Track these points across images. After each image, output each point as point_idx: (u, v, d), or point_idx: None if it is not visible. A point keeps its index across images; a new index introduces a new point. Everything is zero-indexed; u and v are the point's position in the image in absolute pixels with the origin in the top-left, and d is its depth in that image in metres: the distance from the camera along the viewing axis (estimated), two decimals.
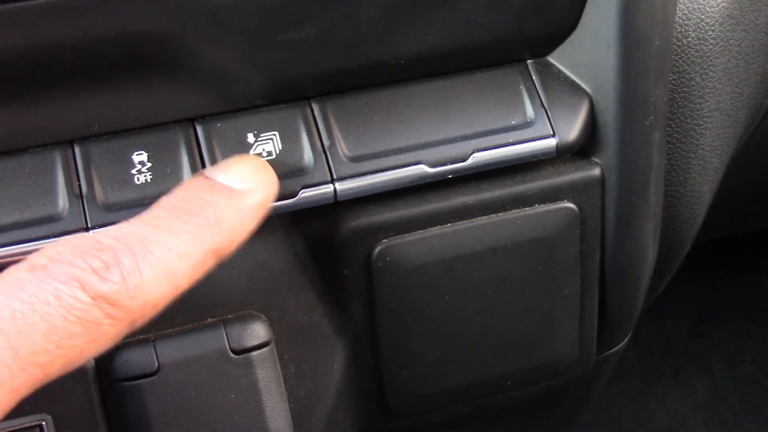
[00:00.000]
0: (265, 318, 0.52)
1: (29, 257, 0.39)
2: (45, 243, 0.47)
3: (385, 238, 0.53)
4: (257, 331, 0.51)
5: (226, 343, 0.51)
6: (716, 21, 0.57)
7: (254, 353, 0.51)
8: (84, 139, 0.49)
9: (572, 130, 0.53)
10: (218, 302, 0.52)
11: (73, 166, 0.48)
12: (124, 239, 0.40)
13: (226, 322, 0.51)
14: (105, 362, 0.50)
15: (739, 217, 1.19)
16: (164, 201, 0.44)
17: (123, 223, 0.42)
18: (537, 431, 0.73)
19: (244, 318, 0.52)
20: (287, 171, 0.50)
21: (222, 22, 0.46)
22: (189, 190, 0.44)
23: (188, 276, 0.42)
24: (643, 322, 1.56)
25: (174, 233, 0.42)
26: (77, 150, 0.49)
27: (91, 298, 0.38)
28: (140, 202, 0.48)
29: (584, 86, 0.54)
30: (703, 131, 0.59)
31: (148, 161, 0.49)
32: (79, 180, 0.48)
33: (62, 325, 0.37)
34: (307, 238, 0.53)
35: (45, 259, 0.39)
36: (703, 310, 1.65)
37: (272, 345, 0.52)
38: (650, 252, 0.59)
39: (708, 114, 0.59)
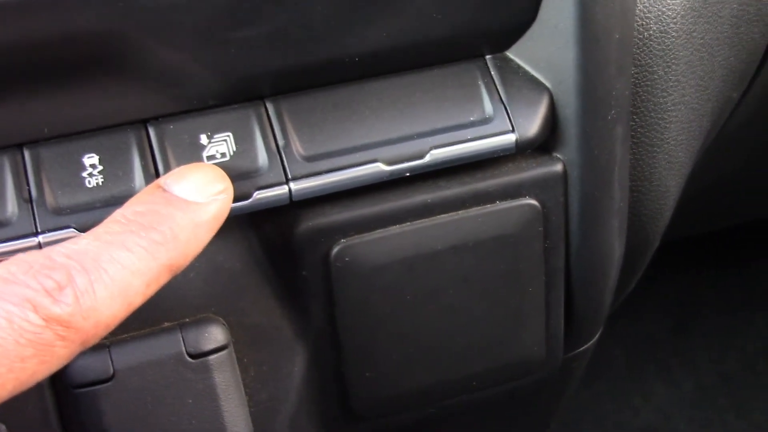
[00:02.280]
0: (223, 321, 0.52)
1: None
2: None
3: (343, 238, 0.52)
4: (214, 335, 0.50)
5: (183, 348, 0.50)
6: (678, 13, 0.56)
7: (212, 357, 0.50)
8: (34, 142, 0.48)
9: (532, 125, 0.52)
10: (175, 306, 0.51)
11: (22, 171, 0.48)
12: (78, 257, 0.40)
13: (182, 326, 0.50)
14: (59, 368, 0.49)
15: (718, 213, 1.18)
16: (119, 214, 0.43)
17: (77, 238, 0.41)
18: (506, 428, 0.73)
19: (201, 322, 0.51)
20: (241, 172, 0.49)
21: (173, 21, 0.45)
22: (144, 204, 0.44)
23: (142, 293, 0.41)
24: (627, 320, 1.56)
25: (129, 250, 0.41)
26: (27, 154, 0.48)
27: (44, 320, 0.38)
28: (91, 205, 0.47)
29: (544, 81, 0.53)
30: (667, 125, 0.58)
31: (99, 164, 0.48)
32: (28, 184, 0.47)
33: (13, 349, 0.37)
34: (264, 239, 0.52)
35: None
36: (686, 306, 1.65)
37: (230, 348, 0.51)
38: (616, 248, 0.58)
39: (672, 107, 0.58)
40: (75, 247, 0.40)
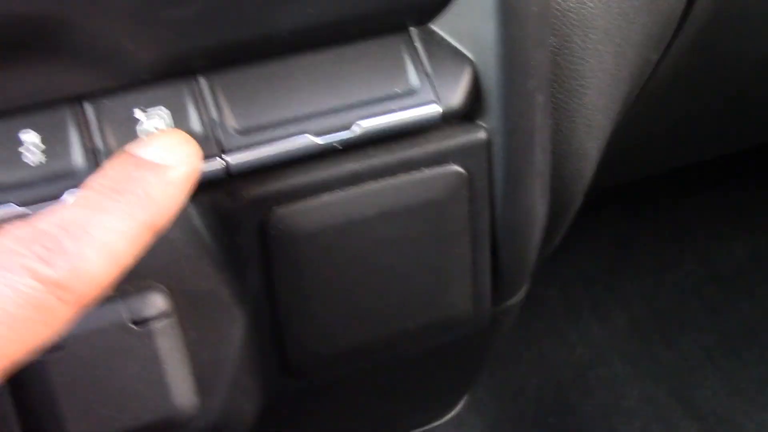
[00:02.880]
0: (165, 288, 0.54)
1: None
2: None
3: (277, 207, 0.54)
4: (156, 302, 0.53)
5: (127, 316, 0.52)
6: None
7: (154, 323, 0.53)
8: None
9: (456, 96, 0.55)
10: None
11: None
12: (63, 224, 0.42)
13: (124, 295, 0.53)
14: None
15: (650, 162, 1.22)
16: (93, 181, 0.45)
17: (57, 207, 0.43)
18: (447, 380, 0.76)
19: (142, 289, 0.53)
20: None
21: (105, 1, 0.47)
22: (116, 169, 0.46)
23: (128, 253, 0.44)
24: (562, 261, 1.60)
25: (109, 213, 0.43)
26: None
27: (42, 284, 0.40)
28: (31, 181, 0.49)
29: (467, 53, 0.55)
30: (585, 91, 0.61)
31: (36, 140, 0.50)
32: None
33: (17, 312, 0.39)
34: (202, 209, 0.54)
35: None
36: (620, 246, 1.69)
37: (172, 314, 0.54)
38: (539, 208, 0.61)
39: (590, 74, 0.61)
40: (58, 215, 0.43)
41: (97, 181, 0.46)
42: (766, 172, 1.71)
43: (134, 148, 0.48)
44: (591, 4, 0.59)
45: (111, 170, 0.46)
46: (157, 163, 0.47)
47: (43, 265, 0.40)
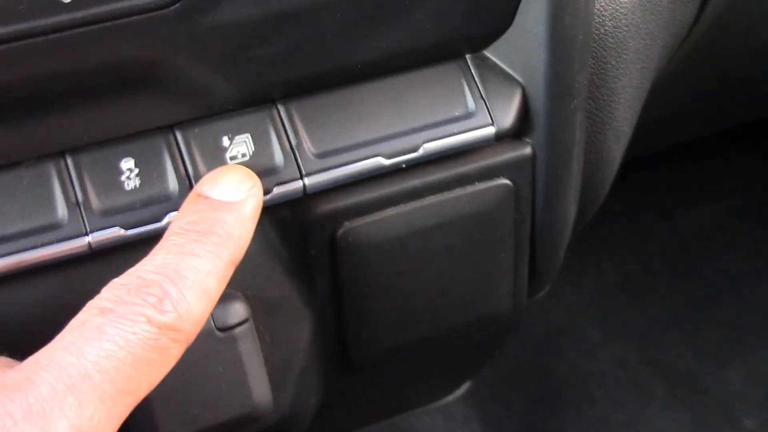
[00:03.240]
0: (243, 297, 0.59)
1: (90, 302, 0.45)
2: (49, 249, 0.52)
3: (347, 221, 0.59)
4: (238, 310, 0.58)
5: (213, 323, 0.57)
6: (629, 9, 0.64)
7: (237, 330, 0.58)
8: (74, 150, 0.53)
9: (508, 117, 0.60)
10: None
11: (67, 176, 0.53)
12: (163, 271, 0.46)
13: None
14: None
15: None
16: (176, 226, 0.50)
17: (152, 255, 0.48)
18: (466, 364, 0.82)
19: (226, 299, 0.58)
20: (261, 170, 0.55)
21: (203, 45, 0.51)
22: (193, 213, 0.50)
23: (218, 290, 0.48)
24: None
25: (198, 256, 0.48)
26: (69, 160, 0.53)
27: (158, 328, 0.45)
28: (132, 206, 0.53)
29: (517, 77, 0.60)
30: (617, 106, 0.67)
31: (135, 167, 0.54)
32: (74, 188, 0.53)
33: (143, 355, 0.44)
34: (278, 224, 0.59)
35: (109, 303, 0.44)
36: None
37: (251, 320, 0.58)
38: (572, 213, 0.67)
39: (621, 90, 0.66)
40: (156, 263, 0.47)
41: (179, 225, 0.50)
42: (728, 142, 1.77)
43: (206, 190, 0.52)
44: (625, 28, 0.64)
45: (188, 215, 0.51)
46: (230, 203, 0.51)
47: (156, 312, 0.45)
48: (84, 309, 0.45)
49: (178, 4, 0.48)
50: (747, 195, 1.76)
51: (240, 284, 0.59)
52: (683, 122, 1.19)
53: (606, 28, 0.63)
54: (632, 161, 1.72)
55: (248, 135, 0.56)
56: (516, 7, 0.58)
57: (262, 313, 0.60)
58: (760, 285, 1.66)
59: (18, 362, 0.45)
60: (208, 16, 0.49)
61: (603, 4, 0.63)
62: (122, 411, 0.44)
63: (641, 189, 1.75)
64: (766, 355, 1.57)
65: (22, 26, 0.45)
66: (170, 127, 0.55)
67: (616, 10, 0.63)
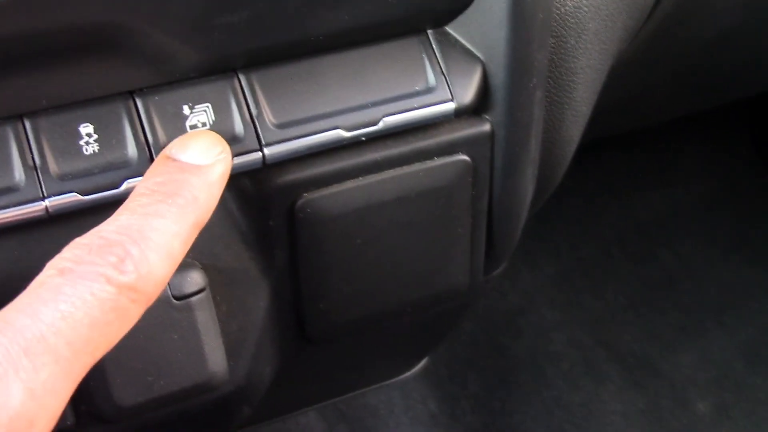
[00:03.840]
0: (200, 266, 0.59)
1: (51, 262, 0.45)
2: (5, 212, 0.52)
3: (306, 193, 0.59)
4: (195, 279, 0.58)
5: (169, 292, 0.57)
6: None
7: (193, 298, 0.58)
8: (33, 113, 0.53)
9: (468, 94, 0.60)
10: None
11: (24, 140, 0.53)
12: (126, 231, 0.46)
13: None
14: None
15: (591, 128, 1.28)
16: (142, 187, 0.50)
17: (116, 215, 0.48)
18: (423, 340, 0.83)
19: (183, 267, 0.58)
20: None
21: (166, 10, 0.51)
22: (161, 175, 0.50)
23: (182, 251, 0.48)
24: None
25: (163, 217, 0.48)
26: (27, 124, 0.53)
27: (117, 289, 0.45)
28: (90, 171, 0.53)
29: (478, 54, 0.61)
30: (575, 86, 0.67)
31: (94, 133, 0.54)
32: (32, 152, 0.53)
33: (100, 316, 0.44)
34: (237, 194, 0.59)
35: (68, 263, 0.44)
36: (550, 198, 1.76)
37: (207, 290, 0.59)
38: (529, 191, 0.68)
39: (580, 71, 0.67)
40: (120, 223, 0.47)
41: (145, 186, 0.50)
42: (686, 129, 1.79)
43: (175, 153, 0.52)
44: (585, 9, 0.64)
45: (155, 176, 0.51)
46: (198, 165, 0.52)
47: (116, 272, 0.45)
48: (44, 269, 0.45)
49: None
50: (703, 181, 1.78)
51: (198, 253, 0.59)
52: (642, 107, 1.20)
53: (566, 8, 0.64)
54: (591, 144, 1.74)
55: (209, 104, 0.56)
56: None
57: (219, 282, 0.60)
58: (714, 270, 1.68)
59: None
60: None
61: None
62: (78, 372, 0.44)
63: (599, 173, 1.76)
64: (719, 340, 1.60)
65: None
66: (130, 93, 0.55)
67: None
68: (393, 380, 0.93)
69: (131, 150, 0.54)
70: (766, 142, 1.79)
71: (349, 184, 0.60)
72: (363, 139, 0.59)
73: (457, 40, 0.61)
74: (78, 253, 0.45)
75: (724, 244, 1.71)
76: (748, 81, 1.23)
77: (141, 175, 0.53)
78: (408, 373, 0.93)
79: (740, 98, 1.45)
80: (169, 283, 0.57)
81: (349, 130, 0.58)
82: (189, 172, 0.51)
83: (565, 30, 0.65)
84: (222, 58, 0.55)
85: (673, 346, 1.60)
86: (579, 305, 1.64)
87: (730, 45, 1.00)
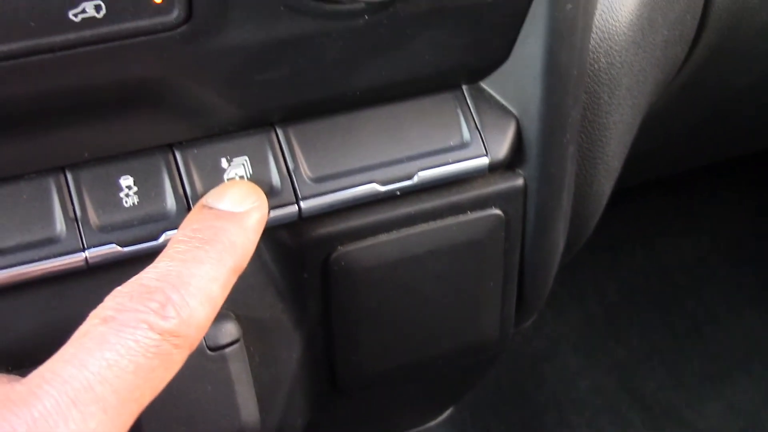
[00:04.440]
0: (234, 317, 0.59)
1: (94, 312, 0.46)
2: (46, 263, 0.53)
3: (341, 246, 0.60)
4: (229, 330, 0.58)
5: (204, 342, 0.58)
6: (622, 47, 0.65)
7: (227, 350, 0.58)
8: (74, 165, 0.54)
9: (502, 149, 0.61)
10: None
11: (66, 191, 0.54)
12: (165, 278, 0.47)
13: None
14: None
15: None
16: (180, 235, 0.50)
17: (155, 263, 0.49)
18: (452, 388, 0.83)
19: (217, 318, 0.58)
20: None
21: (207, 67, 0.52)
22: (198, 222, 0.51)
23: (221, 296, 0.49)
24: None
25: (201, 262, 0.48)
26: (69, 176, 0.54)
27: (160, 335, 0.46)
28: (129, 223, 0.54)
29: (512, 109, 0.61)
30: (608, 141, 0.68)
31: (134, 185, 0.55)
32: (73, 204, 0.54)
33: (145, 362, 0.45)
34: (272, 246, 0.59)
35: (111, 312, 0.45)
36: None
37: (241, 341, 0.59)
38: (561, 244, 0.68)
39: (613, 126, 0.67)
40: (159, 271, 0.48)
41: (183, 233, 0.51)
42: (712, 176, 1.79)
43: (211, 202, 0.53)
44: (619, 65, 0.65)
45: (193, 223, 0.52)
46: (234, 213, 0.52)
47: (158, 318, 0.46)
48: (87, 319, 0.46)
49: (185, 26, 0.49)
50: (730, 229, 1.78)
51: (232, 304, 0.60)
52: (669, 155, 1.21)
53: (600, 64, 0.65)
54: (618, 190, 1.74)
55: (246, 157, 0.56)
56: (513, 41, 0.59)
57: (253, 333, 0.61)
58: (740, 319, 1.67)
59: (21, 377, 0.46)
60: (213, 39, 0.50)
61: (598, 41, 0.64)
62: (126, 419, 0.45)
63: (625, 219, 1.76)
64: (746, 390, 1.58)
65: (31, 42, 0.46)
66: (170, 146, 0.56)
67: (611, 47, 0.64)
68: (419, 428, 0.93)
69: (170, 202, 0.55)
70: None
71: (383, 238, 0.61)
72: (398, 193, 0.59)
73: (491, 96, 0.62)
74: (120, 301, 0.46)
75: (750, 292, 1.70)
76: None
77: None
78: (433, 422, 0.93)
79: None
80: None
81: (384, 184, 0.59)
82: (225, 219, 0.52)
83: (598, 86, 0.65)
84: (260, 112, 0.56)
85: (699, 394, 1.59)
86: (603, 352, 1.63)
87: (759, 93, 1.00)
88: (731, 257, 1.75)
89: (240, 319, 0.60)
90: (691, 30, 0.75)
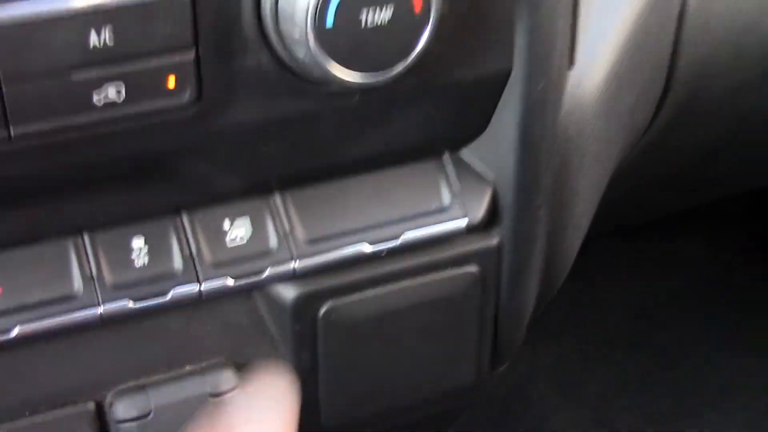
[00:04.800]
0: (233, 365, 0.65)
1: None
2: (64, 318, 0.58)
3: (331, 300, 0.65)
4: (229, 378, 0.64)
5: (207, 389, 0.63)
6: (592, 114, 0.71)
7: (227, 395, 0.64)
8: (90, 228, 0.60)
9: (479, 212, 0.67)
10: (196, 352, 0.64)
11: (83, 252, 0.59)
12: None
13: (205, 371, 0.63)
14: (105, 407, 0.62)
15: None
16: None
17: None
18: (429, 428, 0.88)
19: (218, 367, 0.64)
20: (256, 252, 0.62)
21: (213, 142, 0.57)
22: None
23: None
24: None
25: None
26: (86, 238, 0.59)
27: None
28: (141, 281, 0.60)
29: (489, 175, 0.67)
30: (577, 203, 0.74)
31: (144, 245, 0.60)
32: (89, 264, 0.59)
33: None
34: (267, 301, 0.65)
35: None
36: None
37: (240, 387, 0.64)
38: (533, 298, 0.74)
39: (581, 189, 0.73)
40: None
41: None
42: (685, 220, 1.83)
43: None
44: (588, 132, 0.71)
45: None
46: None
47: None
48: None
49: (195, 107, 0.54)
50: (701, 269, 1.82)
51: (230, 353, 0.65)
52: (641, 203, 1.27)
53: (570, 132, 0.70)
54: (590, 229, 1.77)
55: (247, 219, 0.62)
56: (491, 115, 0.65)
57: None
58: (711, 356, 1.71)
59: None
60: (220, 117, 0.56)
61: (569, 109, 0.70)
62: None
63: (600, 258, 1.79)
64: (716, 426, 1.61)
65: (60, 123, 0.51)
66: (177, 210, 0.61)
67: (581, 116, 0.70)
68: None
69: (177, 261, 0.60)
70: (761, 233, 1.84)
71: (370, 293, 0.66)
72: (383, 253, 0.65)
73: (470, 163, 0.67)
74: None
75: (721, 330, 1.74)
76: (741, 179, 1.29)
77: (186, 283, 0.60)
78: None
79: (735, 193, 1.51)
80: (208, 381, 0.63)
81: (372, 244, 0.64)
82: None
83: (568, 153, 0.71)
84: (261, 180, 0.62)
85: (670, 428, 1.62)
86: (578, 388, 1.66)
87: (725, 148, 1.06)
88: (701, 297, 1.79)
89: (239, 368, 0.65)
90: (657, 94, 0.81)
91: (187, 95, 0.53)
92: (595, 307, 1.77)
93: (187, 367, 0.64)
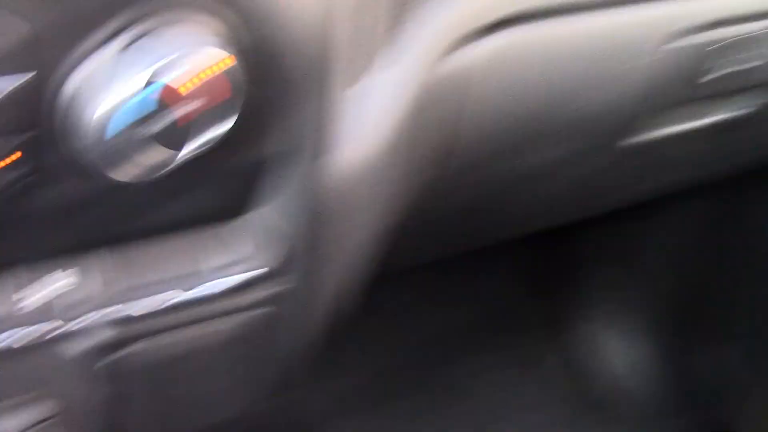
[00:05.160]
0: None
1: None
2: None
3: (134, 344, 0.76)
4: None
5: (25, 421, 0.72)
6: (366, 183, 0.84)
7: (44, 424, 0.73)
8: None
9: (277, 261, 0.79)
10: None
11: None
12: None
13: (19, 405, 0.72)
14: None
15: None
16: None
17: None
18: None
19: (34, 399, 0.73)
20: (76, 300, 0.71)
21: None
22: None
23: None
24: None
25: None
26: None
27: None
28: None
29: (286, 231, 0.79)
30: (356, 252, 0.87)
31: None
32: None
33: None
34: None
35: None
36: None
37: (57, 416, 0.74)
38: (320, 331, 0.86)
39: (361, 241, 0.86)
40: None
41: None
42: (478, 258, 1.92)
43: None
44: (361, 198, 0.83)
45: None
46: None
47: None
48: None
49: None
50: (493, 302, 1.93)
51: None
52: (435, 243, 1.38)
53: (346, 198, 0.82)
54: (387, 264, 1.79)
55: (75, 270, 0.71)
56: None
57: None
58: (498, 384, 1.82)
59: None
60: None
61: (344, 178, 0.81)
62: None
63: (397, 293, 1.85)
64: None
65: None
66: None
67: (351, 189, 0.80)
68: None
69: None
70: (531, 276, 1.99)
71: (175, 336, 0.77)
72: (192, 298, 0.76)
73: (273, 220, 0.78)
74: None
75: (514, 353, 1.85)
76: (518, 224, 1.42)
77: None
78: None
79: (514, 237, 1.62)
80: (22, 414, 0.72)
81: (184, 291, 0.75)
82: None
83: (345, 212, 0.83)
84: (83, 242, 0.71)
85: None
86: (374, 416, 1.71)
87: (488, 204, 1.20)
88: (497, 324, 1.89)
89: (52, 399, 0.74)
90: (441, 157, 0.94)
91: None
92: (391, 334, 1.84)
93: None
